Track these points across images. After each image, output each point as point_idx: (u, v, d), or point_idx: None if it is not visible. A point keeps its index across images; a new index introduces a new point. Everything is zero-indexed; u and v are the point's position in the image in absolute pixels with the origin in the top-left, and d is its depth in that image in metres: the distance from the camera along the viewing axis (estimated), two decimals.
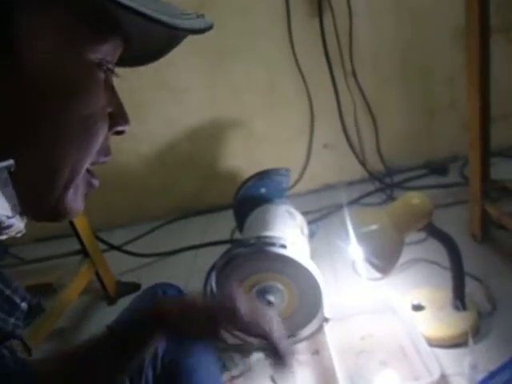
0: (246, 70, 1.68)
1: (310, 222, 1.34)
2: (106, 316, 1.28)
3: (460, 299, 1.01)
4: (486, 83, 1.10)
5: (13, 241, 0.37)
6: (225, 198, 1.57)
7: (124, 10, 0.33)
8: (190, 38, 0.41)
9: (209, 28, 0.40)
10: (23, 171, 0.34)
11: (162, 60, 0.47)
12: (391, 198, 1.63)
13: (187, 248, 1.63)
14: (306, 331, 1.03)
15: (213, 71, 1.68)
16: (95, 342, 0.56)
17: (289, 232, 1.11)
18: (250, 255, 0.97)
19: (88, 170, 0.41)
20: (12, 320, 0.41)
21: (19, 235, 0.36)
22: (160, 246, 1.66)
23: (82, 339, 0.56)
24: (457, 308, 1.01)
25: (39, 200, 0.38)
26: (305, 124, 1.76)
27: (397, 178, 1.75)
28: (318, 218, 1.60)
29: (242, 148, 1.81)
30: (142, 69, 0.48)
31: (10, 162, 0.32)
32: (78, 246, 1.31)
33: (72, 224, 1.24)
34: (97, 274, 1.35)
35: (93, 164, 0.41)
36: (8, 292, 0.42)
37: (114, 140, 0.45)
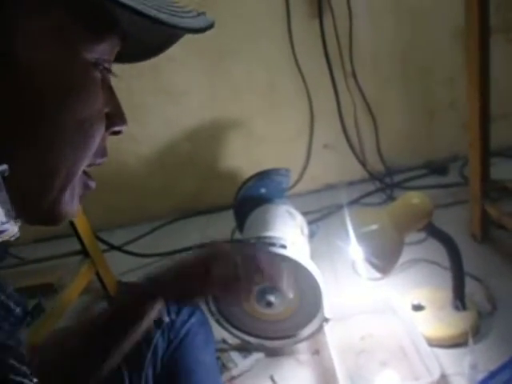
0: (245, 70, 1.68)
1: (310, 222, 1.34)
2: None
3: (460, 299, 1.01)
4: (485, 83, 1.10)
5: (13, 241, 0.36)
6: (225, 198, 1.57)
7: (122, 9, 0.32)
8: (190, 38, 0.40)
9: (209, 27, 0.39)
10: (17, 174, 0.33)
11: (161, 61, 0.47)
12: (391, 198, 1.63)
13: (187, 248, 1.63)
14: (306, 331, 1.03)
15: (212, 71, 1.68)
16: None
17: (289, 232, 1.11)
18: None
19: (84, 172, 0.40)
20: (6, 326, 0.40)
21: (13, 239, 0.35)
22: (160, 246, 1.66)
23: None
24: (457, 308, 1.01)
25: (34, 204, 0.37)
26: (305, 124, 1.76)
27: (397, 178, 1.74)
28: (318, 218, 1.60)
29: (242, 148, 1.81)
30: (141, 69, 0.48)
31: (4, 166, 0.32)
32: (78, 246, 1.31)
33: (72, 224, 1.24)
34: (97, 274, 1.34)
35: (89, 165, 0.40)
36: (3, 297, 0.41)
37: (114, 141, 0.44)
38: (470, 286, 1.07)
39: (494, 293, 1.08)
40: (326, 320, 0.98)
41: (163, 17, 0.34)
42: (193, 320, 0.74)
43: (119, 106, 0.42)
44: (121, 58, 0.42)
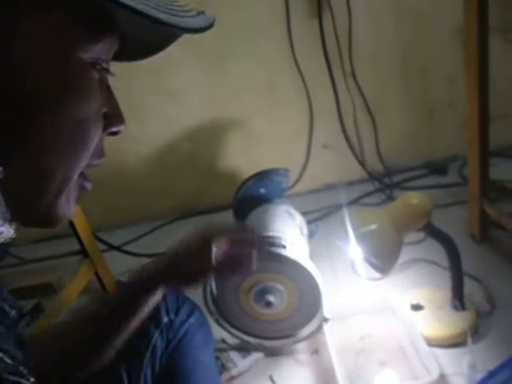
0: (245, 69, 1.68)
1: (309, 222, 1.34)
2: None
3: (459, 299, 1.01)
4: (484, 83, 1.10)
5: (12, 241, 0.36)
6: (224, 198, 1.57)
7: (123, 9, 0.32)
8: (190, 38, 0.40)
9: (210, 26, 0.39)
10: (13, 177, 0.33)
11: (160, 60, 0.46)
12: (391, 198, 1.63)
13: None
14: (306, 331, 1.03)
15: (212, 71, 1.68)
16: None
17: (288, 232, 1.11)
18: None
19: (81, 173, 0.39)
20: (1, 328, 0.39)
21: (8, 241, 0.34)
22: (160, 246, 1.65)
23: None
24: (456, 308, 1.01)
25: (29, 207, 0.36)
26: (304, 124, 1.76)
27: (396, 178, 1.74)
28: (318, 218, 1.60)
29: (242, 148, 1.81)
30: (140, 70, 0.48)
31: None
32: (77, 246, 1.31)
33: (72, 224, 1.23)
34: (96, 274, 1.34)
35: (87, 166, 0.40)
36: None
37: (114, 141, 0.44)
38: (469, 285, 1.07)
39: (493, 293, 1.08)
40: (326, 320, 0.98)
41: (163, 17, 0.34)
42: (192, 320, 0.74)
43: (117, 106, 0.42)
44: (119, 57, 0.41)
